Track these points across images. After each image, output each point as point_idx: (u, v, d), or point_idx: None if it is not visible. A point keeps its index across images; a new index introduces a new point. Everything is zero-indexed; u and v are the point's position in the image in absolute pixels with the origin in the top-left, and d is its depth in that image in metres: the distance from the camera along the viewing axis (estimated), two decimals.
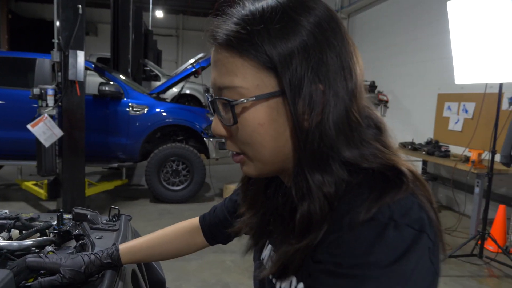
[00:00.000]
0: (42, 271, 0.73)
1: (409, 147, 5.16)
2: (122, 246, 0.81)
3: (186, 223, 0.89)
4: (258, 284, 0.67)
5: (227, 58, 0.52)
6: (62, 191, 3.75)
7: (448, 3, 2.93)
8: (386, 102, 6.65)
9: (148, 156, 4.62)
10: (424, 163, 5.31)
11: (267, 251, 0.65)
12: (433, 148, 4.77)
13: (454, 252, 3.24)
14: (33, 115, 3.56)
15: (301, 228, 0.51)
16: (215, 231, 0.86)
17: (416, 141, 5.29)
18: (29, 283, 0.70)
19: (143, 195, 4.96)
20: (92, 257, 0.77)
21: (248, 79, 0.51)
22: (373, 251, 0.45)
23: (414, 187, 0.50)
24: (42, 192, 4.07)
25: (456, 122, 5.08)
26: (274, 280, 0.61)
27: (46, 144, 3.50)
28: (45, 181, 4.07)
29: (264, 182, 0.65)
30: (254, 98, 0.51)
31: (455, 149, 4.75)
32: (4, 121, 4.33)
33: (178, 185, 4.64)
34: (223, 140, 0.60)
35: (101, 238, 0.93)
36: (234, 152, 0.57)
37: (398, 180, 0.49)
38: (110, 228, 0.99)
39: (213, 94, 0.57)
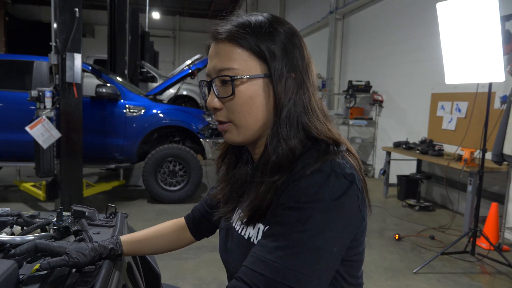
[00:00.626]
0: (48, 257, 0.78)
1: (404, 146, 5.22)
2: (123, 237, 0.89)
3: (176, 221, 1.01)
4: (226, 246, 0.80)
5: (229, 48, 0.71)
6: (60, 192, 3.79)
7: (437, 5, 2.99)
8: (381, 102, 6.72)
9: (145, 157, 4.66)
10: (419, 162, 5.38)
11: (235, 215, 0.80)
12: (427, 147, 4.83)
13: (447, 249, 3.29)
14: (31, 117, 3.60)
15: (272, 169, 0.69)
16: (199, 225, 0.98)
17: (411, 141, 5.36)
18: (34, 273, 0.75)
19: (140, 196, 5.00)
20: (96, 244, 0.83)
21: (244, 63, 0.70)
22: (321, 191, 0.63)
23: (348, 156, 0.71)
24: (40, 193, 4.11)
25: (449, 121, 5.15)
26: (240, 230, 0.77)
27: (44, 145, 3.54)
28: (43, 182, 4.10)
29: (235, 159, 0.84)
30: (249, 77, 0.70)
31: (449, 148, 4.81)
32: (2, 123, 4.36)
33: (175, 186, 4.69)
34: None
35: (98, 233, 0.98)
36: (220, 123, 0.74)
37: (337, 149, 0.69)
38: (107, 224, 1.04)
39: (207, 79, 0.75)
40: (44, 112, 3.54)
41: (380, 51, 6.90)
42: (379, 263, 3.24)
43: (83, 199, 3.99)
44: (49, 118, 3.57)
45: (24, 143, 4.03)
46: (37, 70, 4.43)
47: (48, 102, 3.56)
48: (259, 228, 0.72)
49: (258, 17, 0.73)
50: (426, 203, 4.96)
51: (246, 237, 0.74)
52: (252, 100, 0.70)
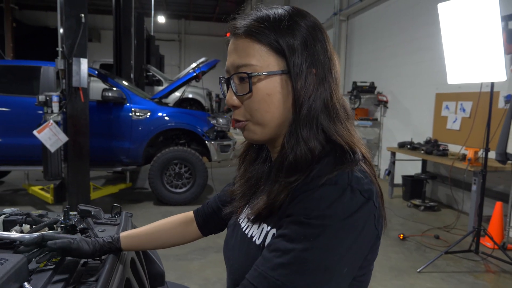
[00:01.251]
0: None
1: (408, 146, 5.22)
2: (123, 233, 0.92)
3: (181, 215, 0.99)
4: (231, 243, 0.79)
5: (247, 43, 0.68)
6: (68, 195, 3.86)
7: (438, 5, 3.01)
8: (386, 102, 6.72)
9: (151, 160, 4.71)
10: (424, 162, 5.38)
11: (245, 212, 0.78)
12: (432, 147, 4.83)
13: (451, 248, 3.30)
14: (39, 122, 3.67)
15: (288, 169, 0.66)
16: (209, 220, 0.96)
17: (416, 141, 5.36)
18: (43, 267, 0.80)
19: (147, 198, 5.06)
20: (98, 238, 0.88)
21: (262, 59, 0.67)
22: (333, 206, 0.59)
23: (364, 165, 0.67)
24: (48, 196, 4.18)
25: (454, 121, 5.15)
26: (245, 228, 0.75)
27: (52, 149, 3.60)
28: (51, 186, 4.18)
29: (254, 156, 0.82)
30: (266, 73, 0.67)
31: (454, 148, 4.81)
32: (11, 128, 4.45)
33: (181, 188, 4.74)
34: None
35: (103, 231, 1.02)
36: (237, 121, 0.72)
37: (354, 158, 0.65)
38: (111, 222, 1.09)
39: (226, 76, 0.73)
40: (51, 117, 3.60)
41: (384, 52, 6.91)
42: (384, 263, 3.25)
43: (90, 201, 4.05)
44: (56, 122, 3.63)
45: (32, 147, 4.11)
46: (44, 75, 4.50)
47: (55, 107, 3.63)
48: (262, 229, 0.70)
49: (278, 10, 0.70)
50: (431, 203, 4.95)
51: (248, 235, 0.73)
52: (270, 97, 0.68)
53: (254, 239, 0.71)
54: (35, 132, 3.51)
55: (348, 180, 0.61)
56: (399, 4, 6.39)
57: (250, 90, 0.68)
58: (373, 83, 6.91)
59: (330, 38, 0.73)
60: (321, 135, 0.67)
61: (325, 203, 0.59)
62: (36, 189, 4.43)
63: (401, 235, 3.82)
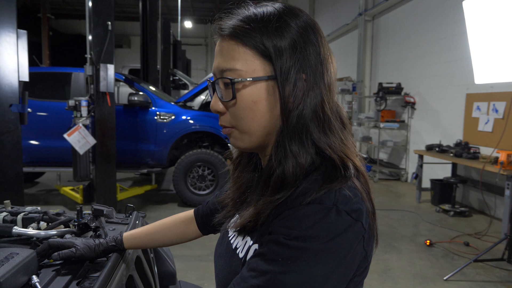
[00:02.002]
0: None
1: (437, 149, 5.07)
2: (126, 233, 0.94)
3: (182, 214, 1.00)
4: (219, 251, 0.77)
5: (232, 46, 0.63)
6: (96, 195, 3.99)
7: (463, 3, 2.92)
8: (413, 103, 6.56)
9: (176, 162, 4.81)
10: (454, 165, 5.20)
11: (233, 219, 0.75)
12: (461, 150, 4.67)
13: (481, 255, 3.17)
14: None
15: (275, 186, 0.62)
16: (207, 220, 0.96)
17: (446, 143, 5.19)
18: (52, 262, 0.84)
19: (171, 200, 5.16)
20: (102, 240, 0.90)
21: (247, 63, 0.62)
22: (316, 227, 0.55)
23: (356, 181, 0.61)
24: (78, 197, 4.34)
25: (486, 123, 4.95)
26: (231, 237, 0.72)
27: (81, 151, 3.74)
28: (81, 186, 4.34)
29: (247, 162, 0.77)
30: (251, 79, 0.62)
31: (486, 151, 4.62)
32: (47, 131, 4.66)
33: (204, 190, 4.80)
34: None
35: (113, 229, 1.06)
36: (224, 127, 0.68)
37: (344, 174, 0.60)
38: (122, 222, 1.13)
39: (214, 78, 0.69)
40: (80, 120, 3.75)
41: (411, 51, 6.75)
42: (408, 269, 3.17)
43: (117, 202, 4.17)
44: (85, 126, 3.78)
45: (65, 149, 4.28)
46: (75, 81, 4.70)
47: (84, 111, 3.77)
48: (246, 242, 0.67)
49: (267, 9, 0.64)
50: (462, 208, 4.78)
51: (233, 246, 0.70)
52: (255, 105, 0.62)
53: (237, 251, 0.68)
54: (65, 135, 3.66)
55: (335, 199, 0.56)
56: (427, 2, 6.23)
57: (234, 97, 0.63)
58: (399, 84, 6.76)
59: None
60: (311, 148, 0.62)
61: (307, 223, 0.55)
62: (67, 189, 4.61)
63: (428, 241, 3.70)
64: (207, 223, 0.96)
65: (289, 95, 0.61)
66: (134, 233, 0.94)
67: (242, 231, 0.67)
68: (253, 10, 0.65)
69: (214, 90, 0.68)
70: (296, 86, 0.62)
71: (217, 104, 0.67)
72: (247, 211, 0.66)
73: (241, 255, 0.67)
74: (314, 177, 0.60)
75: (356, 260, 0.59)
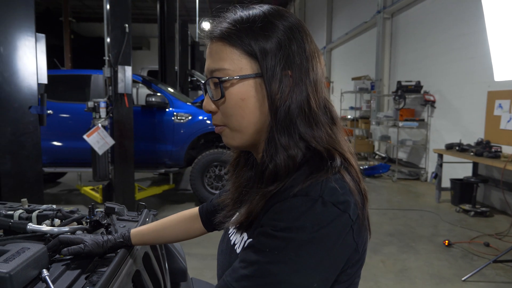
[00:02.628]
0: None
1: (457, 148, 4.96)
2: (133, 230, 0.97)
3: (187, 212, 1.03)
4: (221, 247, 0.79)
5: (219, 47, 0.67)
6: (115, 195, 4.08)
7: None
8: (433, 102, 6.43)
9: (193, 162, 4.86)
10: (475, 164, 5.08)
11: (234, 218, 0.77)
12: (482, 148, 4.56)
13: (500, 256, 3.09)
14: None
15: (268, 180, 0.64)
16: (211, 217, 0.97)
17: (466, 142, 5.08)
18: (62, 257, 0.88)
19: (188, 199, 5.22)
20: (110, 236, 0.94)
21: (234, 63, 0.65)
22: (302, 218, 0.57)
23: (345, 173, 0.63)
24: (98, 196, 4.45)
25: (508, 121, 4.81)
26: (231, 234, 0.75)
27: (100, 152, 3.84)
28: (100, 186, 4.44)
29: (244, 162, 0.79)
30: (238, 77, 0.65)
31: (508, 149, 4.50)
32: (68, 133, 4.79)
33: (221, 189, 4.83)
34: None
35: (124, 227, 1.09)
36: (216, 126, 0.71)
37: (330, 165, 0.62)
38: (133, 219, 1.16)
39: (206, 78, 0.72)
40: (99, 121, 3.84)
41: (431, 49, 6.63)
42: (425, 269, 3.12)
43: (135, 201, 4.25)
44: (104, 127, 3.86)
45: (85, 150, 4.39)
46: (94, 83, 4.82)
47: (103, 112, 3.86)
48: (242, 238, 0.69)
49: (253, 11, 0.68)
50: (483, 208, 4.66)
51: (232, 242, 0.73)
52: (244, 102, 0.65)
53: (235, 247, 0.71)
54: (84, 136, 3.76)
55: (321, 191, 0.58)
56: None
57: (223, 95, 0.66)
58: (419, 82, 6.64)
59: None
60: (301, 142, 0.65)
61: (293, 215, 0.57)
62: (87, 189, 4.74)
63: (446, 241, 3.63)
64: (211, 220, 0.98)
65: (275, 92, 0.64)
66: (141, 230, 0.97)
67: (240, 228, 0.70)
68: (240, 13, 0.68)
69: (206, 91, 0.70)
70: (282, 83, 0.64)
71: (209, 104, 0.70)
72: (244, 208, 0.68)
73: (238, 250, 0.69)
74: (302, 170, 0.63)
75: (345, 251, 0.60)
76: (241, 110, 0.66)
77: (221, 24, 0.68)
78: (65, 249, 0.87)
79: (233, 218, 0.77)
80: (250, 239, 0.65)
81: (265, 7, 0.69)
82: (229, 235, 0.76)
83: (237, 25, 0.66)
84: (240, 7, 0.70)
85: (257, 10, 0.68)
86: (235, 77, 0.65)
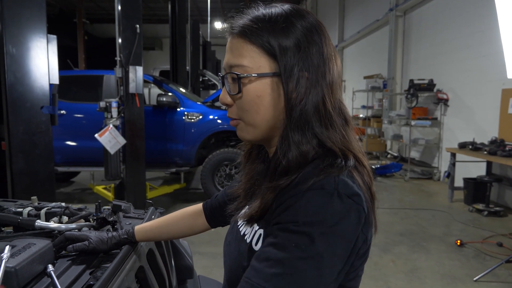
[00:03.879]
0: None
1: (470, 147, 4.88)
2: (137, 226, 0.99)
3: (191, 208, 1.04)
4: (228, 239, 0.81)
5: (240, 43, 0.69)
6: (126, 194, 4.13)
7: None
8: (446, 100, 6.34)
9: (204, 161, 4.89)
10: (489, 163, 4.99)
11: (243, 211, 0.79)
12: (496, 147, 4.48)
13: None
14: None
15: (280, 174, 0.66)
16: (216, 213, 1.00)
17: (480, 141, 4.99)
18: (67, 253, 0.90)
19: (199, 198, 5.26)
20: (114, 233, 0.96)
21: (253, 60, 0.67)
22: (321, 212, 0.58)
23: (356, 172, 0.65)
24: (110, 195, 4.51)
25: None
26: (240, 225, 0.77)
27: (112, 151, 3.89)
28: (112, 185, 4.50)
29: (256, 155, 0.82)
30: (256, 75, 0.67)
31: None
32: (80, 132, 4.87)
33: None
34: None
35: (129, 224, 1.11)
36: (232, 119, 0.74)
37: (344, 163, 0.64)
38: (139, 217, 1.18)
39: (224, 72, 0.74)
40: (111, 121, 3.89)
41: (444, 47, 6.53)
42: (436, 269, 3.09)
43: (146, 200, 4.29)
44: (116, 126, 3.91)
45: (98, 149, 4.46)
46: (106, 83, 4.89)
47: (114, 112, 3.92)
48: (253, 228, 0.71)
49: (275, 10, 0.69)
50: (497, 208, 4.58)
51: (242, 233, 0.75)
52: (260, 99, 0.68)
53: (245, 237, 0.72)
54: (96, 136, 3.81)
55: (335, 184, 0.60)
56: None
57: (240, 91, 0.69)
58: (432, 80, 6.56)
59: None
60: (314, 141, 0.66)
61: (312, 209, 0.58)
62: (99, 188, 4.80)
63: (458, 241, 3.58)
64: (215, 216, 1.00)
65: (292, 91, 0.66)
66: (145, 226, 0.99)
67: (251, 221, 0.72)
68: (262, 10, 0.70)
69: (223, 84, 0.73)
70: (299, 83, 0.66)
71: (225, 97, 0.72)
72: (255, 202, 0.70)
73: (248, 240, 0.71)
74: (314, 164, 0.64)
75: (358, 242, 0.62)
76: (256, 107, 0.68)
77: (243, 20, 0.70)
78: (70, 246, 0.90)
79: (243, 211, 0.78)
80: (262, 230, 0.68)
81: (286, 7, 0.70)
82: (238, 227, 0.77)
83: (259, 23, 0.68)
84: (262, 5, 0.71)
85: (278, 9, 0.70)
86: (253, 75, 0.67)
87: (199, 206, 1.04)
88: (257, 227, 0.70)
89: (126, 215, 1.18)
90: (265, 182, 0.70)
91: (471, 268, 3.11)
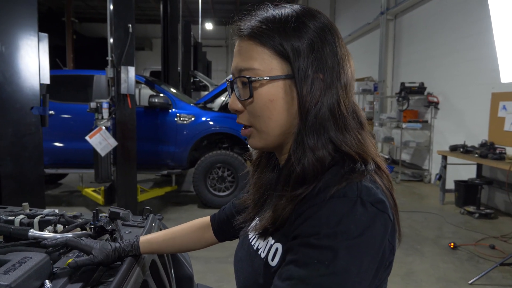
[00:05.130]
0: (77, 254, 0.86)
1: (461, 149, 4.92)
2: (142, 238, 0.93)
3: (199, 221, 0.99)
4: (239, 254, 0.77)
5: (250, 46, 0.65)
6: (117, 197, 4.05)
7: None
8: (437, 103, 6.39)
9: (196, 164, 4.83)
10: (479, 166, 5.04)
11: (253, 222, 0.75)
12: (487, 150, 4.52)
13: (507, 259, 3.05)
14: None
15: (296, 182, 0.62)
16: (223, 227, 0.95)
17: (470, 143, 5.04)
18: (67, 265, 0.84)
19: (191, 201, 5.19)
20: (117, 245, 0.90)
21: (265, 63, 0.64)
22: (344, 222, 0.54)
23: (377, 176, 0.62)
24: (99, 198, 4.41)
25: None
26: (252, 239, 0.72)
27: (102, 153, 3.81)
28: (102, 188, 4.41)
29: (266, 163, 0.78)
30: (268, 78, 0.64)
31: None
32: (69, 133, 4.76)
33: (224, 191, 4.80)
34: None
35: (129, 233, 1.06)
36: (244, 127, 0.70)
37: (365, 168, 0.61)
38: (138, 224, 1.12)
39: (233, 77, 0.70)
40: (101, 122, 3.81)
41: (435, 50, 6.59)
42: (431, 272, 3.08)
43: (137, 203, 4.22)
44: (107, 128, 3.83)
45: (87, 151, 4.36)
46: (96, 83, 4.79)
47: (105, 113, 3.83)
48: (267, 242, 0.67)
49: (285, 10, 0.66)
50: (487, 210, 4.62)
51: (255, 247, 0.70)
52: (272, 103, 0.64)
53: (259, 252, 0.68)
54: (87, 138, 3.73)
55: (358, 191, 0.56)
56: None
57: (251, 95, 0.65)
58: (422, 83, 6.60)
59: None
60: (329, 145, 0.62)
61: (334, 219, 0.54)
62: (89, 190, 4.70)
63: (452, 244, 3.59)
64: (223, 229, 0.96)
65: (306, 94, 0.62)
66: (150, 238, 0.94)
67: (264, 234, 0.67)
68: (271, 11, 0.67)
69: (232, 90, 0.69)
70: (314, 86, 0.62)
71: (235, 103, 0.68)
72: (267, 214, 0.66)
73: (263, 255, 0.67)
74: (334, 171, 0.60)
75: (385, 252, 0.59)
76: (269, 111, 0.65)
77: (251, 22, 0.66)
78: (73, 261, 0.83)
79: (253, 223, 0.74)
80: (279, 244, 0.63)
81: (296, 7, 0.67)
82: (250, 241, 0.73)
83: (269, 24, 0.64)
84: (271, 6, 0.68)
85: (288, 9, 0.66)
86: (265, 78, 0.64)
87: (206, 219, 0.99)
88: (273, 241, 0.65)
89: (125, 223, 1.12)
90: (276, 191, 0.66)
91: (465, 271, 3.12)
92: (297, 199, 0.60)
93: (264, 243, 0.68)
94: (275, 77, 0.63)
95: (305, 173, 0.61)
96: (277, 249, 0.64)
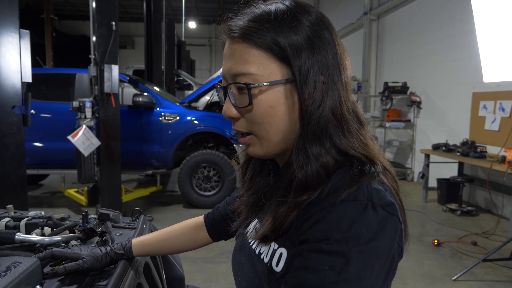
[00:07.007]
0: (66, 261, 0.83)
1: (443, 148, 5.02)
2: (134, 240, 0.90)
3: (192, 221, 0.97)
4: (238, 258, 0.74)
5: (244, 48, 0.60)
6: (101, 197, 3.97)
7: (472, 0, 2.87)
8: (419, 103, 6.50)
9: (181, 163, 4.78)
10: (461, 164, 5.15)
11: (252, 225, 0.73)
12: (468, 149, 4.62)
13: (489, 255, 3.12)
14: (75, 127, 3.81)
15: (297, 189, 0.59)
16: (217, 226, 0.93)
17: (452, 142, 5.14)
18: (55, 270, 0.81)
19: (176, 201, 5.13)
20: (108, 248, 0.87)
21: (263, 67, 0.59)
22: (355, 226, 0.52)
23: (384, 178, 0.60)
24: (82, 199, 4.32)
25: (492, 122, 4.89)
26: (253, 243, 0.70)
27: (85, 153, 3.72)
28: (85, 188, 4.32)
29: (259, 167, 0.74)
30: (268, 83, 0.59)
31: (493, 150, 4.57)
32: (51, 133, 4.64)
33: (209, 191, 4.77)
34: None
35: (120, 235, 1.03)
36: (241, 135, 0.66)
37: (375, 170, 0.59)
38: (129, 226, 1.10)
39: (223, 83, 0.65)
40: (84, 122, 3.73)
41: (417, 50, 6.70)
42: (416, 270, 3.13)
43: (122, 204, 4.15)
44: (90, 127, 3.75)
45: (69, 151, 4.27)
46: (79, 82, 4.69)
47: (88, 112, 3.75)
48: (270, 246, 0.65)
49: (278, 6, 0.61)
50: (469, 208, 4.73)
51: (257, 252, 0.68)
52: (273, 110, 0.60)
53: (262, 257, 0.66)
54: (69, 137, 3.64)
55: (368, 194, 0.54)
56: (433, 0, 6.17)
57: (250, 103, 0.60)
58: (405, 83, 6.71)
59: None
60: (333, 149, 0.60)
61: (345, 223, 0.52)
62: (71, 191, 4.60)
63: (436, 241, 3.66)
64: (217, 229, 0.93)
65: (308, 98, 0.59)
66: (143, 240, 0.91)
67: (265, 240, 0.65)
68: (263, 8, 0.62)
69: (225, 95, 0.64)
70: (316, 89, 0.59)
71: (230, 110, 0.64)
72: (267, 220, 0.63)
73: (266, 260, 0.64)
74: (341, 174, 0.58)
75: (395, 255, 0.57)
76: (270, 118, 0.61)
77: (243, 21, 0.61)
78: (62, 266, 0.79)
79: (251, 225, 0.72)
80: (283, 249, 0.61)
81: (288, 2, 0.62)
82: (250, 244, 0.70)
83: (264, 23, 0.60)
84: (262, 2, 0.63)
85: (281, 5, 0.62)
86: (265, 84, 0.59)
87: (199, 219, 0.97)
88: (276, 246, 0.63)
89: (115, 224, 1.10)
90: (276, 196, 0.64)
91: (449, 267, 3.18)
92: (302, 206, 0.58)
93: (266, 248, 0.65)
94: (275, 82, 0.59)
95: (308, 179, 0.59)
96: (281, 254, 0.62)
